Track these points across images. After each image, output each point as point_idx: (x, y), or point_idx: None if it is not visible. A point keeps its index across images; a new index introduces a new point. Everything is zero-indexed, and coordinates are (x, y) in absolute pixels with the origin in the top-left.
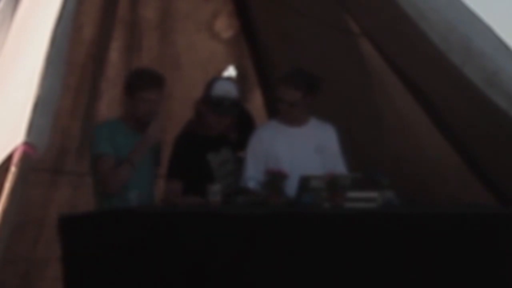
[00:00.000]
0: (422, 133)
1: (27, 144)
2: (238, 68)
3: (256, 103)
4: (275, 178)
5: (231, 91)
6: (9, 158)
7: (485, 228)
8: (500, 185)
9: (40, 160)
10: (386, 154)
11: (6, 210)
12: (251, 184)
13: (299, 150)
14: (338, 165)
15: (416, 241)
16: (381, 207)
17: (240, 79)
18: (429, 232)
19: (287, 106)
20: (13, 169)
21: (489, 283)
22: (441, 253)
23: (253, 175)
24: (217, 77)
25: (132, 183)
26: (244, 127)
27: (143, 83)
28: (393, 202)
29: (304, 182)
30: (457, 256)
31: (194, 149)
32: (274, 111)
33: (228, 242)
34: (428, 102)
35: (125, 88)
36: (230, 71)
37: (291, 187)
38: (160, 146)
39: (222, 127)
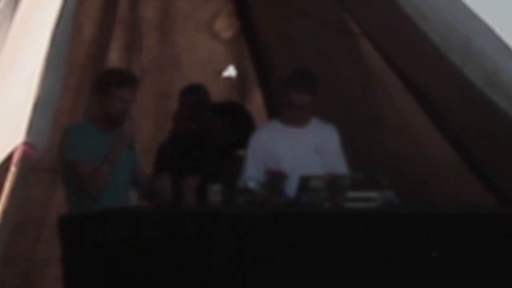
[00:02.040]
0: (422, 133)
1: (27, 144)
2: (238, 68)
3: (256, 103)
4: (275, 178)
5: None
6: (9, 158)
7: (485, 228)
8: (500, 185)
9: (40, 160)
10: (386, 154)
11: (6, 210)
12: (251, 184)
13: (299, 151)
14: (339, 166)
15: (416, 241)
16: (381, 207)
17: (240, 79)
18: (429, 232)
19: (298, 110)
20: (13, 169)
21: (489, 283)
22: (441, 253)
23: (253, 175)
24: (189, 86)
25: (109, 185)
26: (244, 126)
27: (118, 80)
28: (393, 202)
29: (304, 182)
30: (457, 256)
31: (180, 146)
32: (274, 111)
33: (228, 242)
34: (428, 102)
35: (98, 87)
36: (230, 71)
37: (291, 187)
38: (134, 145)
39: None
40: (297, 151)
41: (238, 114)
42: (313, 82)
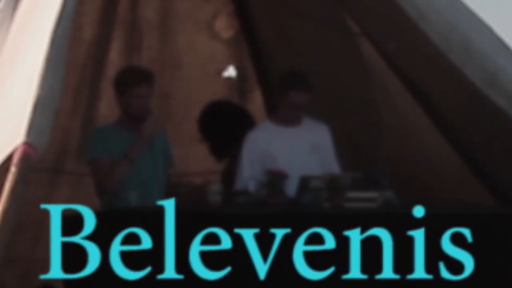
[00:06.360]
0: (422, 133)
1: (27, 144)
2: (238, 68)
3: (256, 103)
4: (275, 178)
5: None
6: (9, 158)
7: (485, 228)
8: (500, 185)
9: (40, 160)
10: (386, 154)
11: (6, 210)
12: (252, 184)
13: (295, 150)
14: (332, 164)
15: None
16: (381, 207)
17: (240, 79)
18: (429, 232)
19: (298, 110)
20: (13, 169)
21: (489, 283)
22: (441, 253)
23: (252, 175)
24: None
25: (133, 183)
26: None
27: (132, 79)
28: (393, 202)
29: (304, 182)
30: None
31: None
32: (274, 111)
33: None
34: (428, 102)
35: (116, 88)
36: (230, 71)
37: (289, 187)
38: (169, 146)
39: None
40: (293, 150)
41: (235, 111)
42: (310, 81)
